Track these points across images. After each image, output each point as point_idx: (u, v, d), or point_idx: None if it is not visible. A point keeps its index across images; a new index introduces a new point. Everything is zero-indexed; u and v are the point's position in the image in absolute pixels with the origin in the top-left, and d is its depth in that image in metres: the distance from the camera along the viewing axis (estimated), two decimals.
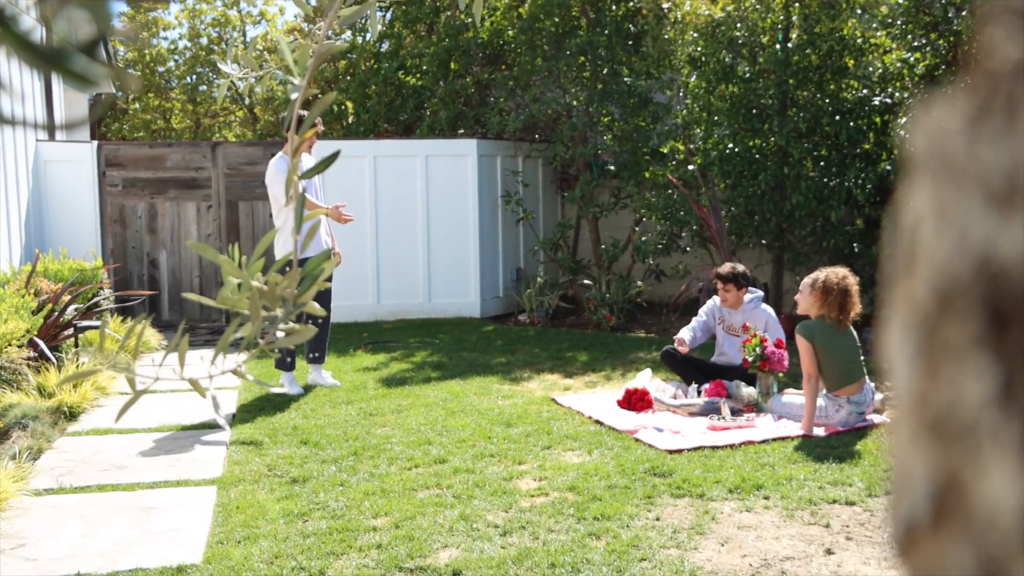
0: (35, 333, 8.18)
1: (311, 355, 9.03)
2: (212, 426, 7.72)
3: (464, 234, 13.04)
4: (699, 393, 8.17)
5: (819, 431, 7.26)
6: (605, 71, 12.90)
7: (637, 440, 7.07)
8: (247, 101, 16.03)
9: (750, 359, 7.82)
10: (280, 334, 1.39)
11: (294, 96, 1.56)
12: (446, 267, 12.98)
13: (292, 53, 1.63)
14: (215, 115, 16.46)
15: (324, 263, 1.46)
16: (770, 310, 8.42)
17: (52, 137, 13.32)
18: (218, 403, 8.31)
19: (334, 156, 1.55)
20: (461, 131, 13.95)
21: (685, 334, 8.56)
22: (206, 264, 13.41)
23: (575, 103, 13.26)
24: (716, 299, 8.66)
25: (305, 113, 9.14)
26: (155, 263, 13.22)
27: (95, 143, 13.28)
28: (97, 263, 10.89)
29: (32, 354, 8.34)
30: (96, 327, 8.97)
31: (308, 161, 8.46)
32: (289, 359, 8.84)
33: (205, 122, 16.32)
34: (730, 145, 11.77)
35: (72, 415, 8.04)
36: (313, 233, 1.48)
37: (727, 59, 11.83)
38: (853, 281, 7.30)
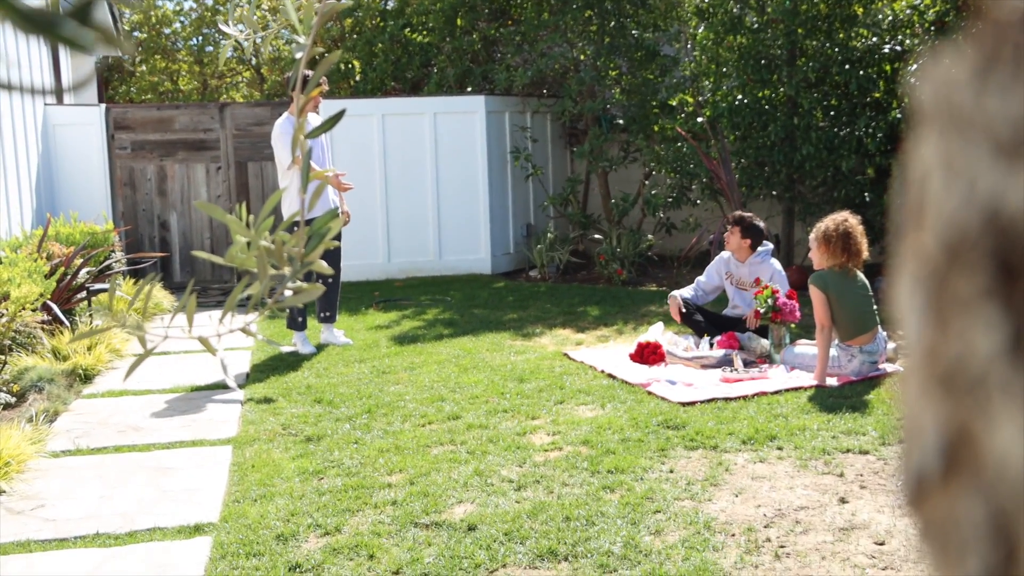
0: (48, 297, 8.21)
1: (322, 314, 8.99)
2: (225, 386, 7.76)
3: (474, 191, 12.99)
4: (711, 346, 8.17)
5: (832, 381, 7.27)
6: (612, 24, 12.81)
7: (650, 393, 7.09)
8: (253, 61, 15.87)
9: (762, 310, 7.81)
10: (288, 293, 1.38)
11: (299, 55, 1.55)
12: (456, 224, 12.95)
13: (297, 12, 1.62)
14: (222, 76, 16.30)
15: (331, 222, 1.45)
16: (776, 264, 8.40)
17: (60, 101, 13.28)
18: (226, 364, 8.34)
19: (339, 115, 1.54)
20: (469, 88, 13.84)
21: (686, 292, 8.56)
22: (217, 225, 13.40)
23: (582, 57, 13.17)
24: (724, 254, 8.64)
25: (310, 73, 9.03)
26: (166, 225, 13.22)
27: (103, 106, 13.23)
28: (108, 226, 10.89)
29: (46, 318, 8.38)
30: (107, 290, 9.21)
31: (315, 121, 8.37)
32: (300, 319, 8.85)
33: (212, 83, 16.18)
34: (739, 96, 11.70)
35: (87, 377, 8.08)
36: (320, 193, 1.48)
37: (735, 9, 11.74)
38: (854, 222, 7.27)
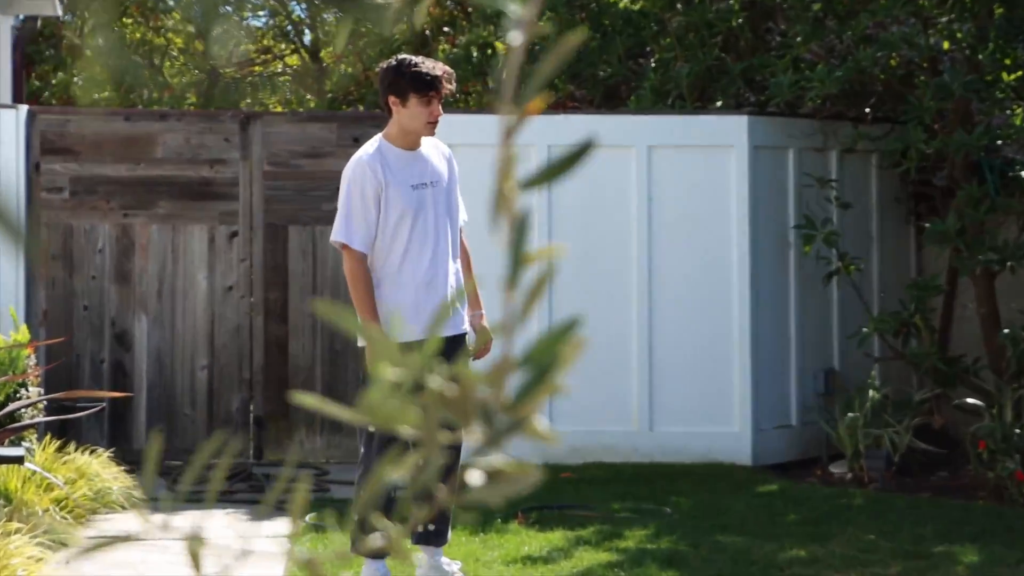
0: None
1: (425, 528, 5.51)
2: None
3: (720, 301, 7.83)
4: None
5: None
6: None
7: None
8: (308, 38, 9.48)
9: None
10: (476, 476, 0.95)
11: (513, 33, 0.96)
12: (682, 366, 7.87)
13: None
14: (246, 63, 9.85)
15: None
16: None
17: None
18: None
19: (585, 148, 0.92)
20: (719, 103, 7.95)
21: None
22: (224, 340, 7.61)
23: (946, 46, 7.57)
24: None
25: (431, 66, 4.83)
26: (125, 338, 7.52)
27: (22, 109, 7.88)
28: (18, 336, 7.05)
29: None
30: (11, 459, 5.72)
31: (398, 158, 4.69)
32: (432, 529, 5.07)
33: (227, 75, 9.60)
34: None
35: None
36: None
37: None
38: None
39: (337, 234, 4.54)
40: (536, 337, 0.98)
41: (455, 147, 5.10)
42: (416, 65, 4.45)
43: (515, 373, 0.97)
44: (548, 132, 7.25)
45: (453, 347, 4.41)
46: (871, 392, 7.63)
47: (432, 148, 4.66)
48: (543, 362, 0.96)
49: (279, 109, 10.53)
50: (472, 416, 0.98)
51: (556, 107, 8.34)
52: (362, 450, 4.70)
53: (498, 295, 1.04)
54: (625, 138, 7.43)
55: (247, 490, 6.64)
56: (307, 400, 1.01)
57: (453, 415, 0.98)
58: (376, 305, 4.38)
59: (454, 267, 4.62)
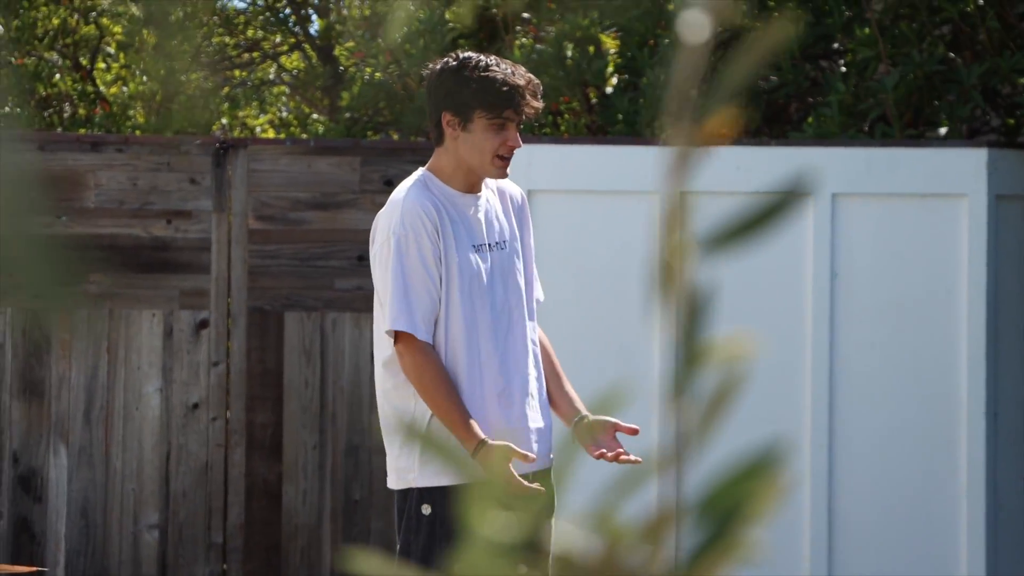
0: None
1: None
2: None
3: (940, 419, 5.62)
4: None
5: None
6: None
7: None
8: (315, 26, 6.87)
9: None
10: None
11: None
12: (876, 523, 5.68)
13: None
14: (221, 65, 7.19)
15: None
16: None
17: None
18: None
19: (794, 195, 0.79)
20: (942, 129, 5.62)
21: None
22: (185, 485, 5.38)
23: None
24: None
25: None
26: (34, 481, 5.37)
27: None
28: None
29: None
30: None
31: (455, 205, 3.70)
32: None
33: (192, 82, 6.89)
34: None
35: None
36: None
37: None
38: None
39: (396, 320, 3.35)
40: (719, 473, 0.77)
41: (533, 195, 4.19)
42: (487, 68, 3.42)
43: (684, 526, 0.78)
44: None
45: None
46: None
47: (495, 192, 3.59)
48: (727, 509, 0.77)
49: (271, 134, 7.76)
50: None
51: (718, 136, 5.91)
52: None
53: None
54: (797, 182, 4.99)
55: None
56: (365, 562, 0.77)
57: None
58: (468, 415, 3.32)
59: (535, 368, 3.50)
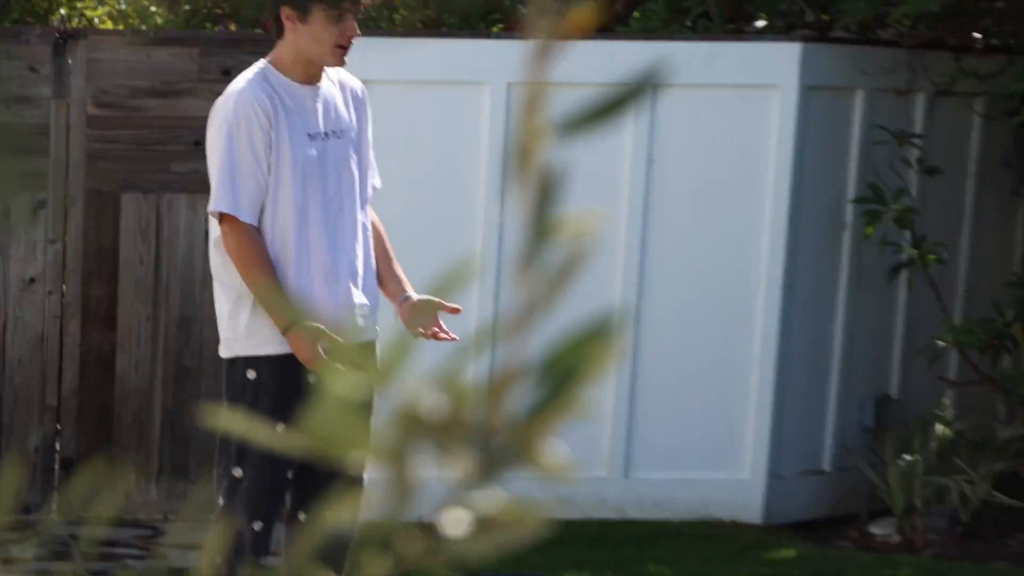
0: None
1: None
2: None
3: (739, 295, 6.03)
4: None
5: None
6: None
7: None
8: None
9: None
10: (460, 520, 0.76)
11: None
12: (675, 385, 6.11)
13: None
14: None
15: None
16: None
17: None
18: None
19: (644, 86, 0.80)
20: (761, 22, 6.22)
21: None
22: (21, 352, 5.61)
23: None
24: None
25: None
26: None
27: None
28: None
29: None
30: None
31: (292, 95, 3.77)
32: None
33: None
34: None
35: None
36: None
37: None
38: None
39: (219, 202, 3.49)
40: (559, 337, 0.79)
41: (370, 84, 4.01)
42: None
43: (525, 385, 0.80)
44: (505, 64, 5.32)
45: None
46: (939, 428, 6.21)
47: (336, 84, 3.71)
48: (565, 369, 0.81)
49: (110, 25, 7.82)
50: (461, 439, 0.81)
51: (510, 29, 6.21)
52: (221, 501, 3.56)
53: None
54: (622, 73, 5.21)
55: (48, 556, 5.05)
56: (216, 416, 0.83)
57: (434, 438, 0.81)
58: (287, 290, 3.51)
59: (363, 250, 3.66)
